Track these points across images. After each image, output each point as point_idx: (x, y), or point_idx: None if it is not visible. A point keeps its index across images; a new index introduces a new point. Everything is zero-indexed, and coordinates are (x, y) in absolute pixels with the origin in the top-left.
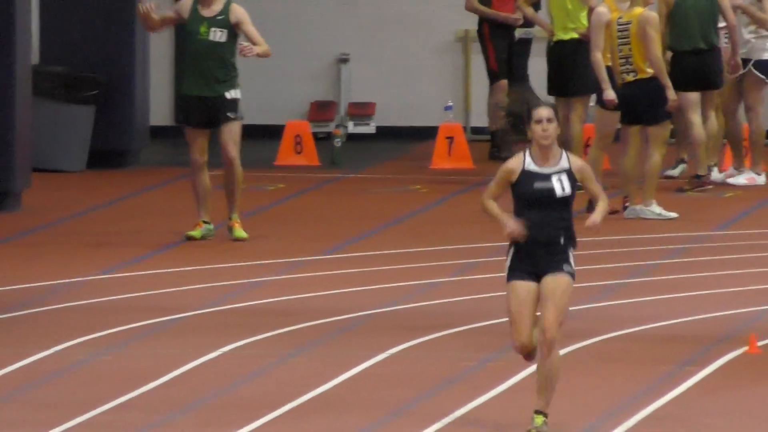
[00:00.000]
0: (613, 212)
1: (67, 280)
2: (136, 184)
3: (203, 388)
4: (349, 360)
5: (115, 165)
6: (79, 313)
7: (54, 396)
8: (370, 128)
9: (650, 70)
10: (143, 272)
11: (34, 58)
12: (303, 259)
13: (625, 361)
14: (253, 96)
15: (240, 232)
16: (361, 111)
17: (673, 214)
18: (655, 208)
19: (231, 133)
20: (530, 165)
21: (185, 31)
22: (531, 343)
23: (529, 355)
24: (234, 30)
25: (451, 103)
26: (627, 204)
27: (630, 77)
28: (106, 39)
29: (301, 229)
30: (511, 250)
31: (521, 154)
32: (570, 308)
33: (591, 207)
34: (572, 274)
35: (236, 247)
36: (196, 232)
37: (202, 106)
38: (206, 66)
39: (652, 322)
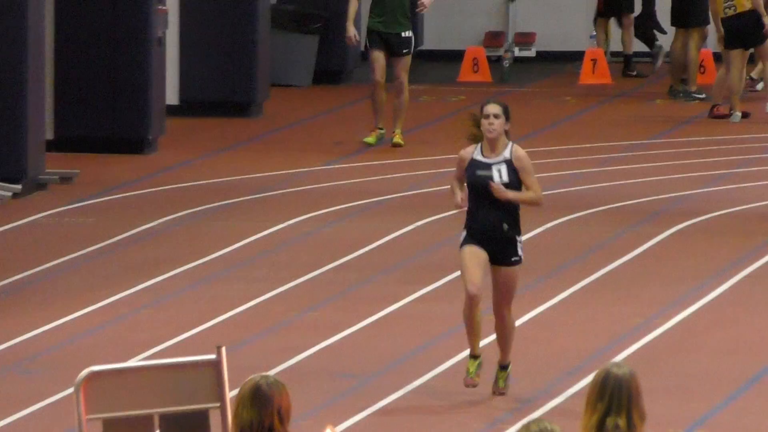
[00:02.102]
0: (722, 116)
1: (296, 170)
2: (350, 96)
3: (401, 254)
4: None
5: (334, 82)
6: (306, 196)
7: (287, 259)
8: (531, 53)
9: (748, 5)
10: (355, 164)
11: None
12: None
13: (727, 234)
14: (441, 27)
15: (398, 138)
16: (524, 39)
17: None
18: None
19: (403, 64)
20: (478, 155)
21: None
22: (481, 289)
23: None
24: None
25: (594, 33)
26: (732, 111)
27: (731, 11)
28: None
29: None
30: (464, 233)
31: (474, 146)
32: (684, 192)
33: (711, 113)
34: (519, 261)
35: (422, 146)
36: (371, 138)
37: (384, 40)
38: (394, 11)
39: (749, 203)
